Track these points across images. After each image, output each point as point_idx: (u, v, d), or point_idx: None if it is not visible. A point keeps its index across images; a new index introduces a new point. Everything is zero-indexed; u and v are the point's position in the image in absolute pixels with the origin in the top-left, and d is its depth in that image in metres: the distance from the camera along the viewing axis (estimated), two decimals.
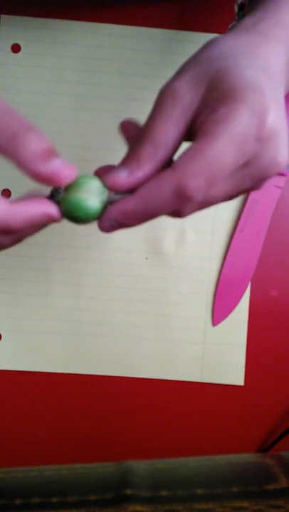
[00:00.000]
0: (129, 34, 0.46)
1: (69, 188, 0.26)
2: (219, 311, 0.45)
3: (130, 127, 0.28)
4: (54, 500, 0.25)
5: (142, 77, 0.45)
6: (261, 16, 0.28)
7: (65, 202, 0.25)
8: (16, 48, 0.45)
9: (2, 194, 0.45)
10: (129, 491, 0.25)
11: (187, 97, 0.24)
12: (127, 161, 0.25)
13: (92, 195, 0.25)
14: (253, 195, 0.45)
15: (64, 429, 0.44)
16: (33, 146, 0.23)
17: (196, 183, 0.22)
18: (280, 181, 0.44)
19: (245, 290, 0.45)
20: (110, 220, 0.25)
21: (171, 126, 0.24)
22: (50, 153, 0.24)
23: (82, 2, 0.46)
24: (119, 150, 0.46)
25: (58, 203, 0.26)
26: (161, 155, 0.24)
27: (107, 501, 0.25)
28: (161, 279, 0.45)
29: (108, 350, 0.45)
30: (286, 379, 0.45)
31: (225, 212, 0.45)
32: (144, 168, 0.24)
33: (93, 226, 0.46)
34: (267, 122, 0.22)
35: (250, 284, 0.45)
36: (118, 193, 0.25)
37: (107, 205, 0.26)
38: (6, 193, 0.45)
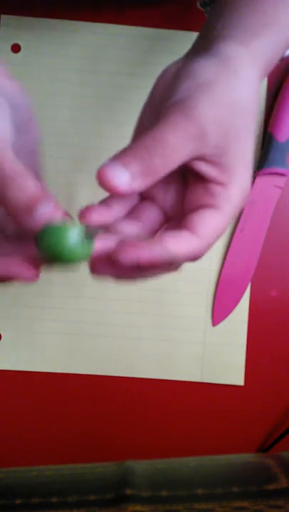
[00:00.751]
0: (129, 34, 0.46)
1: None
2: (219, 311, 0.45)
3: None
4: (54, 500, 0.25)
5: (142, 77, 0.45)
6: (253, 34, 0.28)
7: (42, 238, 0.24)
8: (16, 48, 0.45)
9: None
10: (129, 491, 0.25)
11: (210, 141, 0.25)
12: (128, 160, 0.24)
13: (69, 228, 0.24)
14: (252, 195, 0.45)
15: (64, 429, 0.45)
16: (16, 196, 0.23)
17: (207, 251, 0.27)
18: (280, 181, 0.44)
19: (245, 290, 0.45)
20: (133, 261, 0.24)
21: (184, 155, 0.24)
22: (37, 200, 0.24)
23: (82, 2, 0.46)
24: (118, 150, 0.46)
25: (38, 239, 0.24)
26: (163, 174, 0.24)
27: (107, 501, 0.25)
28: (161, 279, 0.45)
29: (108, 350, 0.45)
30: (286, 379, 0.45)
31: None
32: (146, 180, 0.24)
33: None
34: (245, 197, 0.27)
35: (250, 284, 0.45)
36: (95, 229, 0.24)
37: (90, 241, 0.24)
38: None
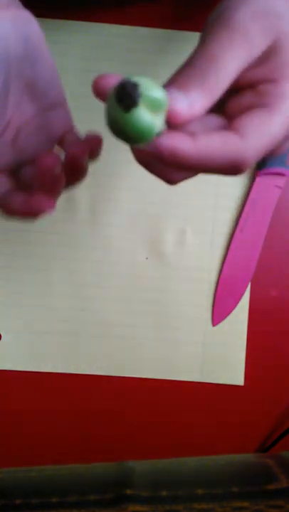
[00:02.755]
0: (129, 34, 0.46)
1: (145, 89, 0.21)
2: (219, 311, 0.45)
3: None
4: (54, 500, 0.25)
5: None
6: None
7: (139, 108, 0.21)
8: None
9: None
10: (129, 491, 0.25)
11: (257, 43, 0.23)
12: (185, 83, 0.22)
13: (152, 113, 0.21)
14: (253, 195, 0.45)
15: (64, 429, 0.44)
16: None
17: (254, 158, 0.23)
18: (280, 181, 0.44)
19: (245, 290, 0.45)
20: (154, 149, 0.22)
21: (236, 67, 0.23)
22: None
23: (82, 2, 0.46)
24: (118, 149, 0.46)
25: (126, 104, 0.21)
26: (219, 93, 0.23)
27: (107, 501, 0.25)
28: (161, 279, 0.45)
29: (108, 350, 0.45)
30: (286, 379, 0.45)
31: (225, 212, 0.45)
32: (204, 102, 0.22)
33: (91, 226, 0.46)
34: None
35: (250, 284, 0.45)
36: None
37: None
38: None
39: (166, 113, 0.22)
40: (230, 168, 0.23)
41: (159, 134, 0.22)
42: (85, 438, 0.44)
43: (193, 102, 0.22)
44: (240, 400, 0.45)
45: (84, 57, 0.45)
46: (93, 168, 0.46)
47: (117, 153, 0.45)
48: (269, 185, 0.44)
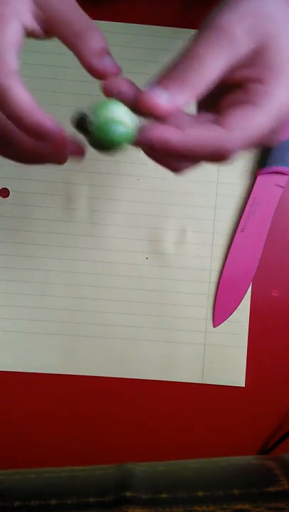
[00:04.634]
0: (129, 32, 0.45)
1: (96, 112, 0.25)
2: (220, 312, 0.45)
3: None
4: (53, 502, 0.25)
5: (142, 75, 0.45)
6: None
7: (96, 126, 0.25)
8: None
9: (0, 193, 0.45)
10: (128, 494, 0.25)
11: (242, 44, 0.25)
12: (165, 81, 0.25)
13: (124, 117, 0.25)
14: (254, 194, 0.44)
15: (63, 431, 0.44)
16: (91, 44, 0.27)
17: (237, 148, 0.25)
18: (282, 180, 0.44)
19: (246, 290, 0.45)
20: (145, 140, 0.25)
21: (219, 65, 0.25)
22: (104, 52, 0.27)
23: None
24: None
25: (85, 130, 0.25)
26: (201, 89, 0.25)
27: (107, 504, 0.25)
28: (161, 280, 0.45)
29: (108, 351, 0.44)
30: (288, 380, 0.45)
31: (226, 211, 0.45)
32: (185, 95, 0.24)
33: (90, 226, 0.45)
34: None
35: (251, 284, 0.45)
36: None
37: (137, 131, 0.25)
38: (5, 192, 0.45)
39: (146, 108, 0.25)
40: (215, 155, 0.25)
41: (137, 127, 0.25)
42: (84, 440, 0.44)
43: (173, 95, 0.24)
44: (241, 402, 0.44)
45: None
46: (93, 167, 0.46)
47: None
48: (270, 184, 0.44)
